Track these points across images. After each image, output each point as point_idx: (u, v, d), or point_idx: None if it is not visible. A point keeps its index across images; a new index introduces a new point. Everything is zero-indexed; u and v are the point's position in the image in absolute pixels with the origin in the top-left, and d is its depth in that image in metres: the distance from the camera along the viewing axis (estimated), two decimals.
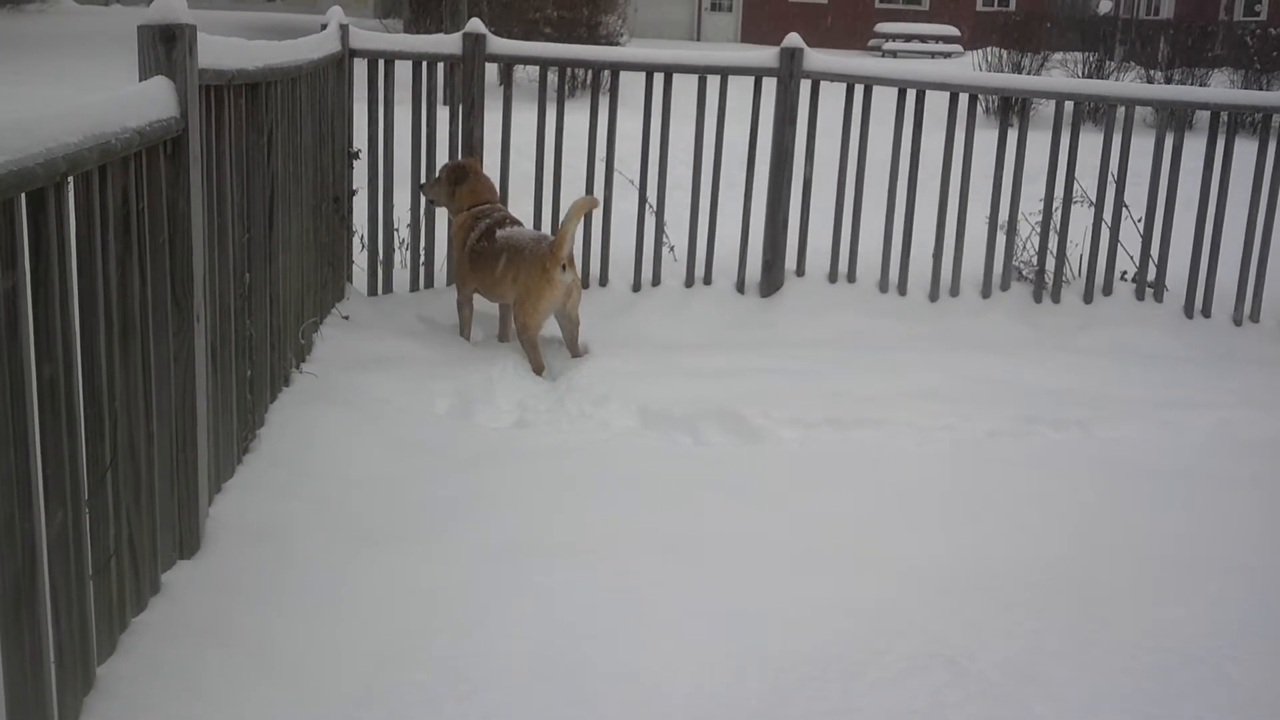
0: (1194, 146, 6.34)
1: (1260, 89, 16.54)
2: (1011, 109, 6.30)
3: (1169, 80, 17.65)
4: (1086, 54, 18.73)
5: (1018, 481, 4.04)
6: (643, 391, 4.71)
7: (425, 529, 3.36)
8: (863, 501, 3.79)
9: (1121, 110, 6.19)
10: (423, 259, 6.02)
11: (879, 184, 6.24)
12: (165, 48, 2.71)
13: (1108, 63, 19.22)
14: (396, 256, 6.14)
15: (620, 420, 4.48)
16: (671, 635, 2.87)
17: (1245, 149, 6.26)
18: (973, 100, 6.13)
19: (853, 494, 3.85)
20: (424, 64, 5.86)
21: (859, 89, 6.15)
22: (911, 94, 6.16)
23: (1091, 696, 2.74)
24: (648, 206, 6.23)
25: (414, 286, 6.01)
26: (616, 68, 6.20)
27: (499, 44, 6.06)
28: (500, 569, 3.14)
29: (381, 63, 5.83)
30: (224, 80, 3.13)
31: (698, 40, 34.38)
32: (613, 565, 3.19)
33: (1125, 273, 6.33)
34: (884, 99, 6.17)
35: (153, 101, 2.59)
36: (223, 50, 3.13)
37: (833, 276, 6.31)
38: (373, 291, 5.93)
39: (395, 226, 6.03)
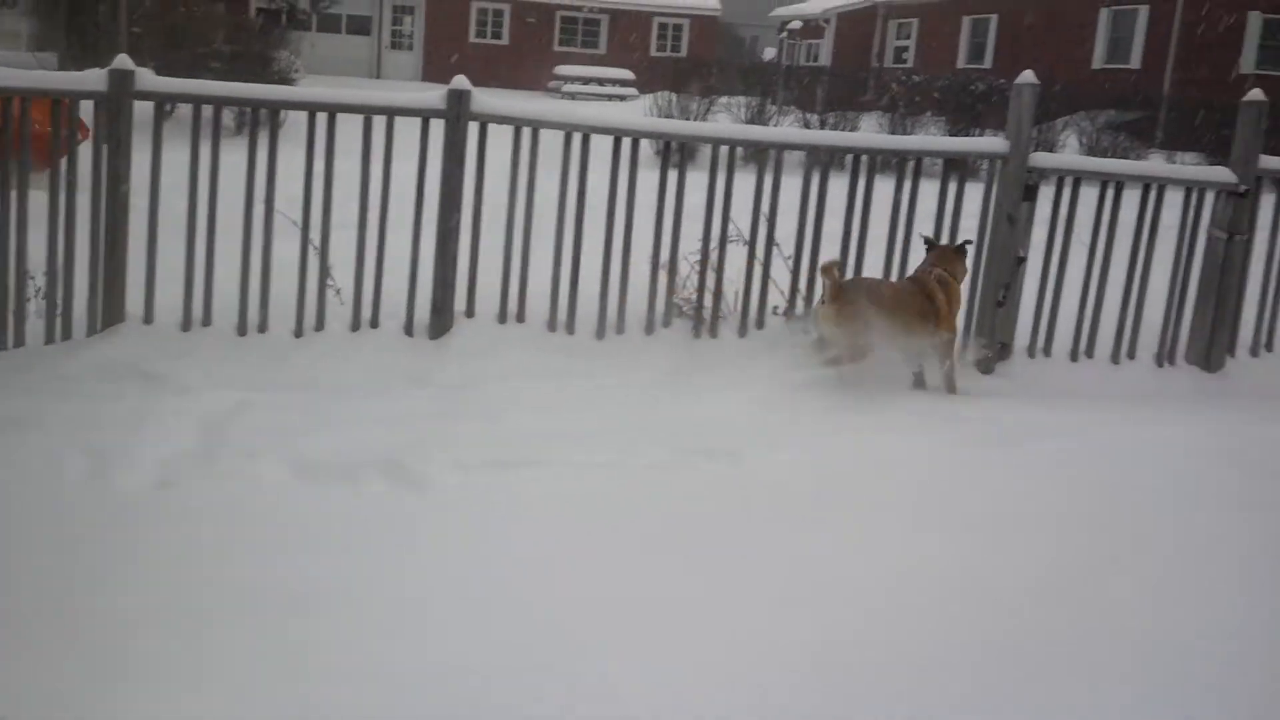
0: (840, 186, 6.72)
1: (904, 132, 17.88)
2: (672, 153, 6.52)
3: (824, 124, 18.80)
4: (750, 98, 19.72)
5: (674, 513, 4.17)
6: (301, 442, 4.55)
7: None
8: (523, 545, 3.79)
9: (775, 154, 6.52)
10: (59, 309, 5.62)
11: (548, 225, 6.32)
12: None
13: (770, 106, 20.29)
14: (31, 305, 5.71)
15: (273, 474, 4.30)
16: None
17: (885, 187, 6.67)
18: (635, 144, 6.31)
19: (515, 538, 3.84)
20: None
21: (526, 131, 6.21)
22: (578, 137, 6.28)
23: None
24: (311, 247, 6.07)
25: (49, 339, 5.61)
26: (277, 106, 6.03)
27: (149, 80, 5.76)
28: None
29: (18, 100, 5.45)
30: None
31: (378, 78, 33.99)
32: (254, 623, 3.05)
33: (776, 307, 6.65)
34: (554, 141, 6.25)
35: None
36: None
37: (502, 317, 6.33)
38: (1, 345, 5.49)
39: (30, 273, 5.61)
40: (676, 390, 5.84)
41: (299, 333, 6.04)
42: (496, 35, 36.95)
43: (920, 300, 5.99)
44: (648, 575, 3.63)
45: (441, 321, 6.19)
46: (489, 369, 5.90)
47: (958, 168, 6.58)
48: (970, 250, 6.40)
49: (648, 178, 6.38)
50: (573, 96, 28.74)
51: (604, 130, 6.33)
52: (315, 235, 6.08)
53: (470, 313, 6.30)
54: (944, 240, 6.43)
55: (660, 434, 5.05)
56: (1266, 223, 6.84)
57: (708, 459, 4.81)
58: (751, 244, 6.47)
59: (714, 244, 6.47)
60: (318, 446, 4.52)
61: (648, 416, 5.36)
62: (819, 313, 6.05)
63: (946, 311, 6.02)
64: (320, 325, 6.09)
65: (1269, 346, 7.07)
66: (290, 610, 3.23)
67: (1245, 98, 6.68)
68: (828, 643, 3.28)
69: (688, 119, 18.55)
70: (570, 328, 6.37)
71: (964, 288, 6.36)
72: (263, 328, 6.01)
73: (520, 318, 6.37)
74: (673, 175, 6.37)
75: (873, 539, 4.04)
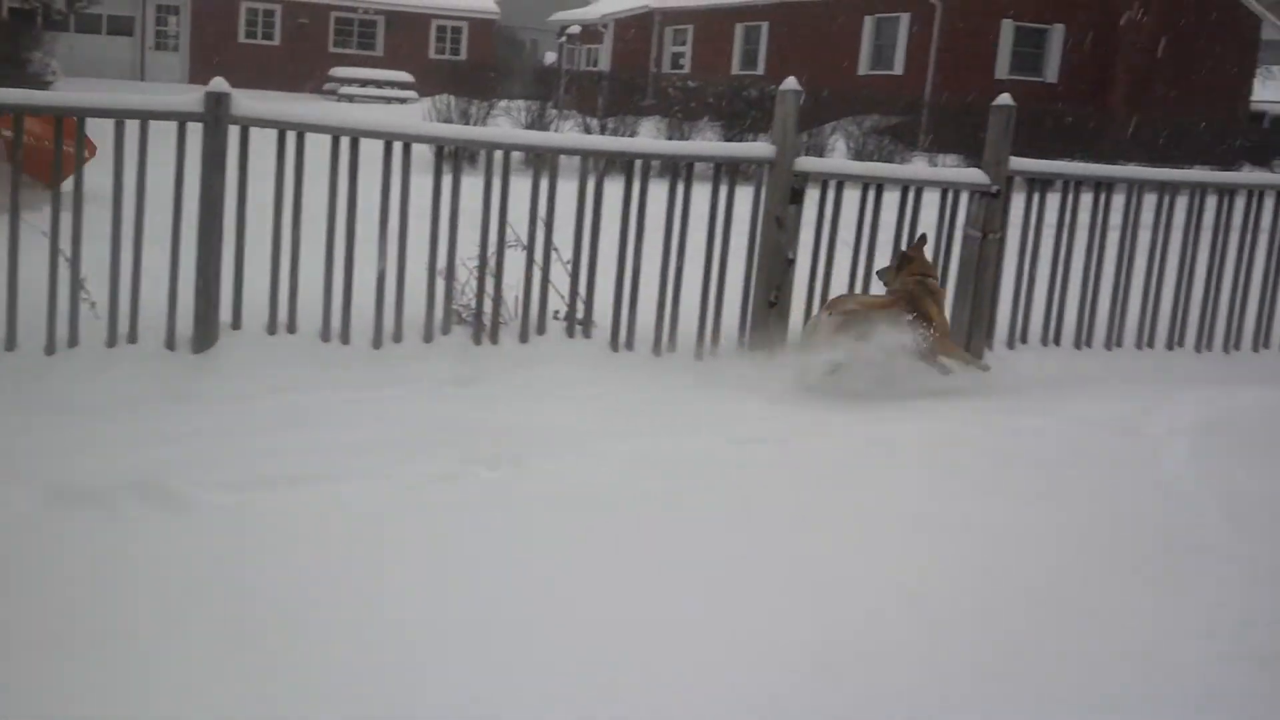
0: (616, 190, 6.76)
1: (682, 137, 18.18)
2: (446, 158, 6.43)
3: (604, 128, 18.95)
4: (530, 102, 19.71)
5: (455, 524, 4.10)
6: (54, 465, 4.28)
7: None
8: (292, 566, 3.65)
9: (551, 159, 6.50)
10: None
11: (319, 232, 6.14)
12: None
13: (550, 110, 20.33)
14: None
15: (21, 501, 4.02)
16: None
17: (661, 191, 6.75)
18: (406, 148, 6.19)
19: (286, 559, 3.70)
20: None
21: (291, 135, 6.02)
22: (346, 141, 6.12)
23: None
24: (63, 258, 5.73)
25: None
26: (20, 111, 5.68)
27: None
28: None
29: None
30: None
31: (142, 80, 32.51)
32: None
33: (557, 311, 6.64)
34: (323, 145, 6.06)
35: None
36: None
37: (271, 328, 6.12)
38: None
39: None
40: (459, 399, 5.77)
41: (51, 349, 5.69)
42: (268, 36, 35.90)
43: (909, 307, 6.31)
44: (416, 596, 3.55)
45: (205, 334, 5.94)
46: (258, 382, 5.69)
47: (732, 172, 6.71)
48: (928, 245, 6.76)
49: (423, 183, 6.28)
50: (350, 99, 28.13)
51: (374, 134, 6.20)
52: (66, 245, 5.74)
53: (236, 324, 6.07)
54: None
55: (443, 444, 4.98)
56: (1018, 221, 7.22)
57: (490, 468, 4.75)
58: (530, 249, 6.44)
59: (493, 249, 6.42)
60: (74, 469, 4.26)
61: (428, 427, 5.27)
62: (822, 324, 6.36)
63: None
64: (74, 341, 5.76)
65: (1024, 339, 7.46)
66: None
67: (995, 102, 7.04)
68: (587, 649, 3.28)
69: (467, 123, 18.40)
70: (345, 337, 6.21)
71: (737, 291, 6.54)
72: (10, 345, 5.64)
73: (291, 328, 6.17)
74: (448, 180, 6.28)
75: (655, 540, 4.07)
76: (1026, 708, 3.24)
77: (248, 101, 5.95)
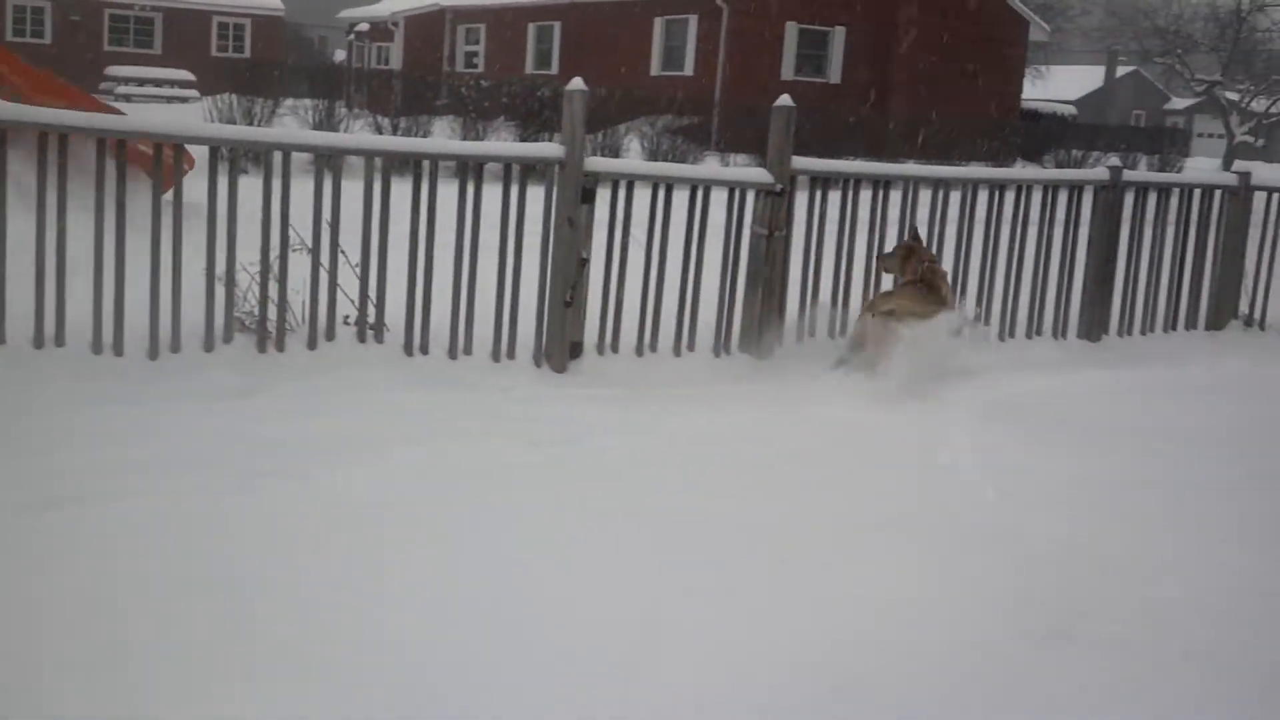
0: (407, 191, 6.61)
1: (476, 137, 18.02)
2: (223, 159, 6.18)
3: (396, 128, 18.62)
4: (318, 101, 19.22)
5: (238, 542, 3.96)
6: None
7: None
8: (83, 588, 3.45)
9: (337, 160, 6.33)
10: None
11: (87, 236, 5.82)
12: None
13: (341, 109, 19.88)
14: None
15: None
16: None
17: (451, 192, 6.65)
18: (179, 150, 5.93)
19: (62, 581, 3.50)
20: None
21: (53, 138, 5.69)
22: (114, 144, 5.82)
23: None
24: None
25: None
26: None
27: None
28: None
29: None
30: None
31: None
32: None
33: (348, 316, 6.48)
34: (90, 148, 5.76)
35: None
36: None
37: (38, 341, 5.78)
38: None
39: None
40: (243, 410, 5.55)
41: None
42: (38, 34, 34.05)
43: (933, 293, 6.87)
44: (193, 617, 3.40)
45: None
46: (24, 400, 5.35)
47: (523, 172, 6.66)
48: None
49: (200, 185, 6.02)
50: (127, 99, 26.88)
51: (142, 135, 5.92)
52: None
53: (0, 339, 5.71)
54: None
55: (226, 458, 4.79)
56: (803, 218, 7.40)
57: (278, 480, 4.60)
58: (315, 251, 6.26)
59: (276, 253, 6.21)
60: None
61: (212, 440, 5.06)
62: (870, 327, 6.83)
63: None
64: None
65: (811, 333, 7.64)
66: None
67: (776, 103, 7.20)
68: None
69: (251, 123, 17.81)
70: (118, 348, 5.91)
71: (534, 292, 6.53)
72: None
73: (60, 341, 5.84)
74: (224, 182, 6.05)
75: (448, 553, 4.01)
76: (808, 694, 3.31)
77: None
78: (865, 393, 6.40)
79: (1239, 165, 8.84)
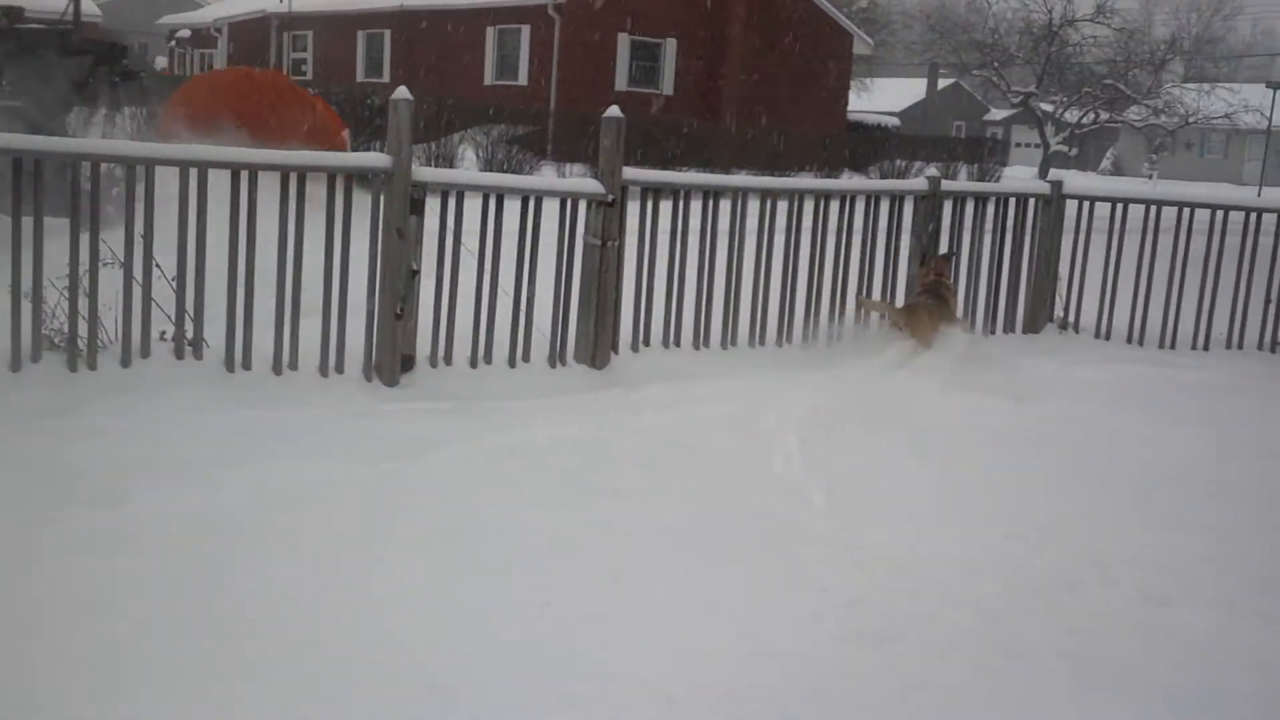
0: (224, 199, 6.37)
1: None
2: (23, 171, 5.86)
3: None
4: (137, 109, 18.43)
5: (53, 572, 3.77)
6: None
7: None
8: None
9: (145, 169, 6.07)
10: None
11: None
12: None
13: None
14: None
15: None
16: None
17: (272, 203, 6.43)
18: None
19: None
20: None
21: None
22: None
23: None
24: None
25: None
26: None
27: None
28: None
29: None
30: None
31: None
32: None
33: (164, 332, 6.22)
34: None
35: None
36: None
37: None
38: None
39: None
40: (54, 432, 5.28)
41: None
42: None
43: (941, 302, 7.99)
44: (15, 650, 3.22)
45: None
46: None
47: (348, 183, 6.50)
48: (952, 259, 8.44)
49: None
50: None
51: None
52: None
53: None
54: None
55: (37, 484, 4.55)
56: (635, 229, 7.42)
57: (91, 508, 4.38)
58: (127, 265, 5.99)
59: (86, 267, 5.93)
60: None
61: (20, 465, 4.79)
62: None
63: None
64: None
65: (647, 342, 7.67)
66: None
67: (605, 114, 7.20)
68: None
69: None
70: None
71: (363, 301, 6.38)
72: None
73: None
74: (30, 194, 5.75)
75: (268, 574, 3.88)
76: (642, 700, 3.31)
77: None
78: (702, 400, 6.46)
79: (1053, 174, 9.21)
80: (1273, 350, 9.09)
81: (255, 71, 14.27)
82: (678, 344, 7.76)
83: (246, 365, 6.33)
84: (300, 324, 6.39)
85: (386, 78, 29.10)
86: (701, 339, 7.84)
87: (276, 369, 6.41)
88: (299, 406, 6.06)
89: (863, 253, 8.35)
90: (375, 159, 6.55)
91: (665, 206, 7.48)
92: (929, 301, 8.04)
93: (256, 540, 4.22)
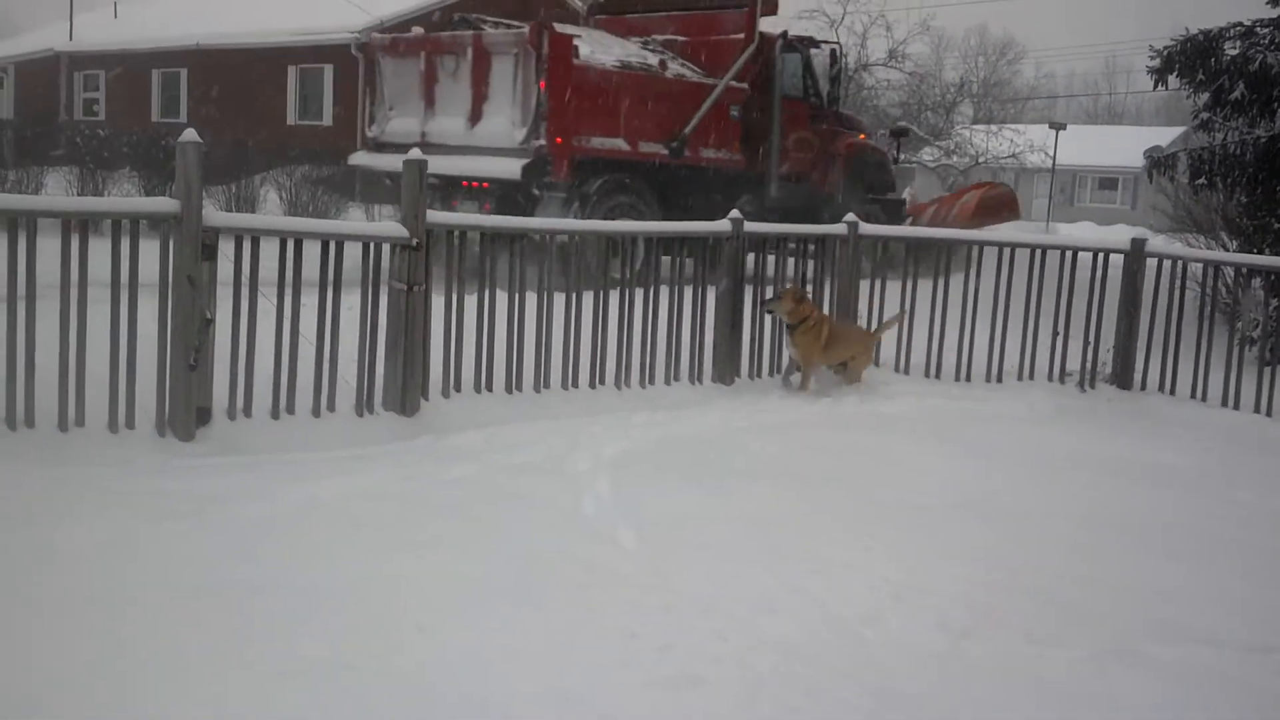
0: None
1: (95, 188, 16.81)
2: None
3: (5, 182, 17.09)
4: None
5: None
6: None
7: None
8: None
9: None
10: None
11: None
12: None
13: None
14: None
15: None
16: None
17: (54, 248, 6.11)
18: None
19: None
20: None
21: None
22: None
23: None
24: None
25: None
26: None
27: None
28: None
29: None
30: None
31: None
32: None
33: None
34: None
35: None
36: None
37: None
38: None
39: None
40: None
41: None
42: None
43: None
44: None
45: None
46: None
47: (134, 228, 6.22)
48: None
49: None
50: None
51: None
52: None
53: None
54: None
55: None
56: (442, 273, 7.31)
57: None
58: None
59: None
60: None
61: None
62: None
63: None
64: None
65: (458, 387, 7.54)
66: None
67: (406, 157, 7.09)
68: None
69: None
70: None
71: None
72: None
73: None
74: None
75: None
76: None
77: None
78: (514, 446, 6.39)
79: (849, 216, 9.47)
80: (1061, 381, 9.52)
81: None
82: (489, 389, 7.67)
83: (29, 423, 5.99)
84: (86, 378, 6.08)
85: (184, 118, 28.11)
86: (514, 383, 7.76)
87: (62, 425, 6.07)
88: (85, 465, 5.74)
89: (671, 297, 8.44)
90: (163, 204, 6.28)
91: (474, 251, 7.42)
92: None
93: (31, 605, 3.98)
